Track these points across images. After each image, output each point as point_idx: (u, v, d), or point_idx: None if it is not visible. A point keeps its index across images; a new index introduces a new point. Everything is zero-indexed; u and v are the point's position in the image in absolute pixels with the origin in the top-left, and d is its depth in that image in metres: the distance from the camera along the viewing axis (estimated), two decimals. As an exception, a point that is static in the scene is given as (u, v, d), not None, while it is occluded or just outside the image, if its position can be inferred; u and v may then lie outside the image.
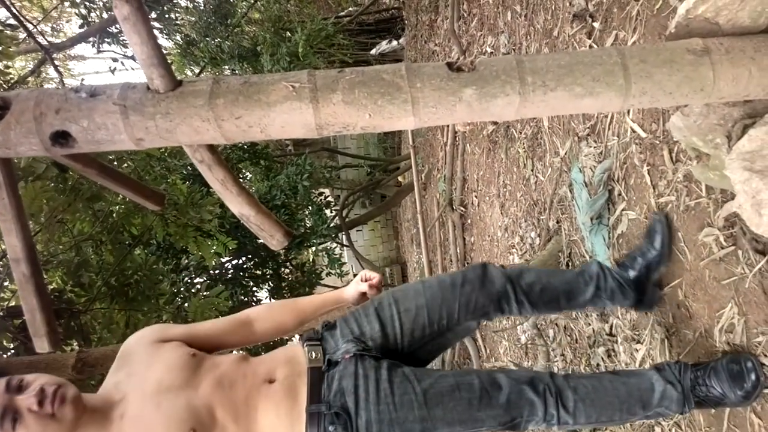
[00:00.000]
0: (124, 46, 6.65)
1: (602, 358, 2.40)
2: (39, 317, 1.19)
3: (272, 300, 6.06)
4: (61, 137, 1.07)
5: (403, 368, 1.49)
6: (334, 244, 7.14)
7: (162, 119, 1.07)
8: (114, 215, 3.41)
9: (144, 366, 1.38)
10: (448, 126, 5.05)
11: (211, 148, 1.22)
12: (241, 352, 1.62)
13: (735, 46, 1.06)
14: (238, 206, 1.31)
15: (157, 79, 1.06)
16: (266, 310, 1.67)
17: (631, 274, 1.81)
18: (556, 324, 2.93)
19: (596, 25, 2.33)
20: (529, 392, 1.47)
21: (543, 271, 1.79)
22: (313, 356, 1.49)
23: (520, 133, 3.38)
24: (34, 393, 1.19)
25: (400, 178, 9.45)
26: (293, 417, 1.39)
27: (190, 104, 1.07)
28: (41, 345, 1.21)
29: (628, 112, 2.05)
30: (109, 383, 1.37)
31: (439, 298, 1.59)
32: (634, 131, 2.02)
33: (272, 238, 1.40)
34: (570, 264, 2.70)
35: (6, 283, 3.04)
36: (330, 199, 7.55)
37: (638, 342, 2.12)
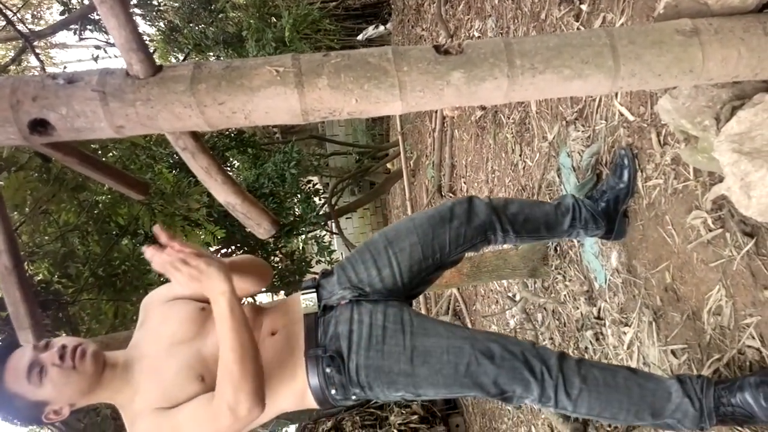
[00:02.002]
0: (107, 33, 6.53)
1: (590, 341, 2.41)
2: (22, 310, 1.18)
3: (264, 289, 6.03)
4: (40, 125, 1.04)
5: (404, 313, 1.52)
6: (324, 232, 7.12)
7: (142, 106, 1.04)
8: (100, 205, 3.36)
9: (159, 322, 1.50)
10: (436, 112, 5.03)
11: (195, 136, 1.19)
12: (250, 301, 1.66)
13: (724, 26, 1.05)
14: (224, 195, 1.29)
15: (137, 65, 1.04)
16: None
17: (601, 206, 1.95)
18: (545, 308, 2.94)
19: (584, 7, 2.31)
20: (523, 371, 1.44)
21: (525, 202, 1.90)
22: (309, 302, 1.56)
23: (508, 118, 3.37)
24: (56, 349, 1.30)
25: (388, 165, 9.43)
26: (294, 363, 1.47)
27: (171, 90, 1.04)
28: (25, 337, 1.19)
29: (616, 95, 2.05)
30: (131, 341, 1.50)
31: (431, 234, 1.64)
32: (622, 114, 2.02)
33: (259, 227, 1.38)
34: (558, 248, 2.71)
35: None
36: (318, 186, 7.52)
37: (626, 325, 2.13)
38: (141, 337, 1.50)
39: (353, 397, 1.50)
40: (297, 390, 1.48)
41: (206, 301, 1.49)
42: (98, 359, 1.37)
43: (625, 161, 1.93)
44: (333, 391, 1.47)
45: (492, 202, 1.76)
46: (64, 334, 3.02)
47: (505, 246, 3.50)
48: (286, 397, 1.49)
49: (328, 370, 1.45)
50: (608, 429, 2.39)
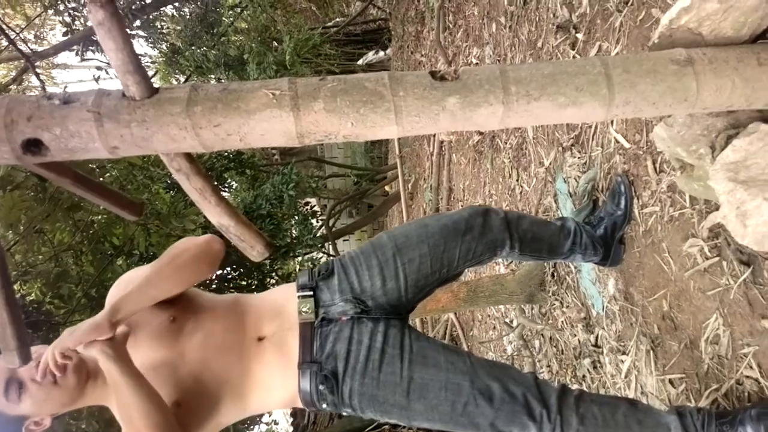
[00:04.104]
0: (108, 53, 6.57)
1: (588, 370, 2.39)
2: (9, 331, 1.15)
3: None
4: (33, 145, 1.04)
5: (404, 337, 1.46)
6: (321, 254, 7.11)
7: (137, 127, 1.04)
8: (95, 225, 3.35)
9: (132, 341, 1.39)
10: (434, 136, 5.06)
11: (189, 157, 1.19)
12: (229, 295, 1.56)
13: (718, 56, 1.05)
14: (218, 216, 1.29)
15: (133, 86, 1.04)
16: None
17: (599, 232, 1.95)
18: (542, 335, 2.92)
19: (580, 36, 2.33)
20: (522, 415, 1.38)
21: (534, 219, 1.84)
22: (306, 309, 1.46)
23: (506, 143, 3.38)
24: (35, 364, 1.25)
25: (386, 188, 9.45)
26: (286, 374, 1.41)
27: (166, 112, 1.04)
28: (11, 360, 1.17)
29: (612, 122, 2.06)
30: None
31: (442, 246, 1.55)
32: (617, 141, 2.02)
33: (252, 249, 1.37)
34: (555, 274, 2.69)
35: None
36: (316, 208, 7.53)
37: (623, 353, 2.11)
38: None
39: (344, 412, 1.46)
40: (286, 397, 1.45)
41: (174, 310, 1.43)
42: (80, 371, 1.33)
43: (622, 188, 1.93)
44: (324, 405, 1.43)
45: (507, 216, 1.70)
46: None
47: (503, 270, 3.49)
48: (273, 401, 1.46)
49: (321, 387, 1.40)
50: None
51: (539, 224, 1.83)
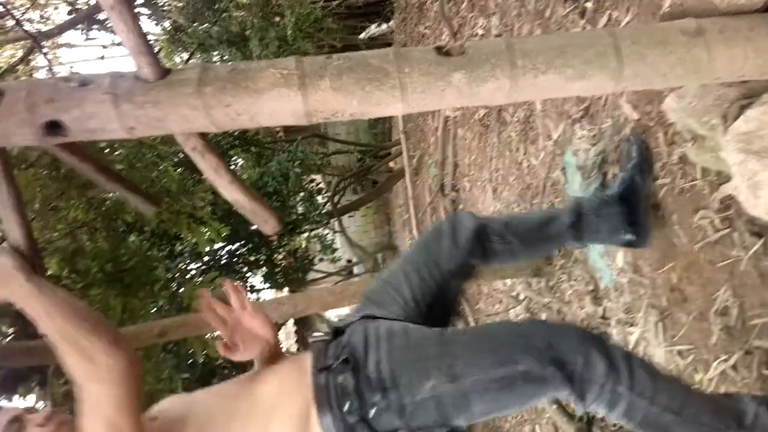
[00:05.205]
0: (113, 32, 6.57)
1: (596, 341, 2.41)
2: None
3: (268, 286, 6.06)
4: (54, 127, 1.07)
5: (420, 326, 1.32)
6: (327, 231, 7.14)
7: (152, 108, 1.06)
8: (107, 203, 3.40)
9: None
10: (438, 111, 5.03)
11: (203, 135, 1.21)
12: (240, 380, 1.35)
13: (730, 25, 1.05)
14: (232, 192, 1.32)
15: (146, 68, 1.06)
16: None
17: (617, 190, 1.77)
18: (549, 308, 2.94)
19: (589, 5, 2.30)
20: (581, 336, 1.18)
21: (517, 213, 1.75)
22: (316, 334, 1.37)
23: (513, 116, 3.36)
24: (44, 414, 1.20)
25: (391, 164, 9.43)
26: (299, 386, 1.21)
27: (178, 93, 1.06)
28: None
29: (623, 93, 2.04)
30: None
31: (423, 256, 1.51)
32: (628, 113, 2.01)
33: (266, 224, 1.40)
34: (561, 249, 2.70)
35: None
36: (321, 185, 7.53)
37: (632, 325, 2.13)
38: None
39: (371, 413, 1.16)
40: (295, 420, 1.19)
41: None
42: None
43: (632, 140, 1.85)
44: (346, 405, 1.15)
45: (475, 214, 1.63)
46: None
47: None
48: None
49: (340, 378, 1.18)
50: (613, 428, 2.39)
51: (522, 213, 1.74)
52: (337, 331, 1.36)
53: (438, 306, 1.46)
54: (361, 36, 8.47)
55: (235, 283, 1.34)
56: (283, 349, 1.44)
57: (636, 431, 1.20)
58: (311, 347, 1.31)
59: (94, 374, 1.08)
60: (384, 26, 8.19)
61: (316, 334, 1.41)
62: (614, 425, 2.39)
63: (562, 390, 1.15)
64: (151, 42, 1.07)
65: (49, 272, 3.10)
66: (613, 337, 2.27)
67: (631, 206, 1.77)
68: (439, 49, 1.08)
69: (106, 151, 3.39)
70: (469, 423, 1.19)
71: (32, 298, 1.13)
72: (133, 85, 1.06)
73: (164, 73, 1.07)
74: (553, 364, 1.13)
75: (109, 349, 1.10)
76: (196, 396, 1.28)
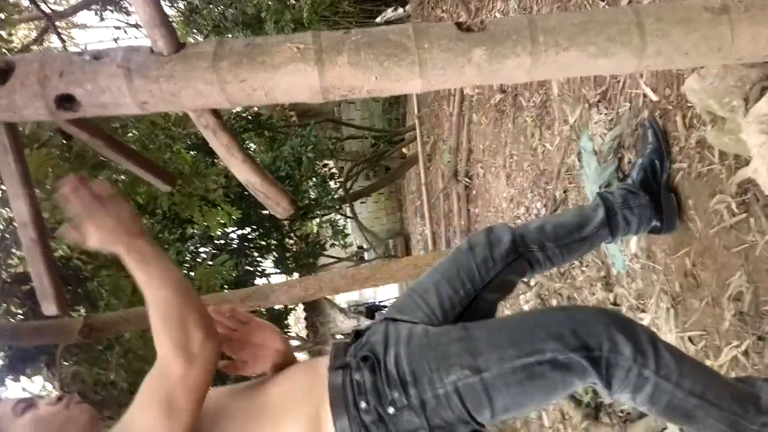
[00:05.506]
0: (127, 13, 6.58)
1: (608, 327, 2.40)
2: (46, 280, 1.20)
3: (279, 270, 6.08)
4: (66, 101, 1.06)
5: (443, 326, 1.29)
6: (338, 216, 7.15)
7: (166, 82, 1.05)
8: (119, 184, 3.41)
9: None
10: (454, 96, 5.00)
11: (216, 113, 1.20)
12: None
13: (755, 3, 1.02)
14: (244, 173, 1.30)
15: (160, 41, 1.04)
16: None
17: (637, 176, 1.75)
18: (560, 294, 2.93)
19: (608, -13, 2.27)
20: (604, 323, 1.15)
21: (546, 216, 1.70)
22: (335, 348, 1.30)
23: (529, 101, 3.33)
24: (54, 396, 1.21)
25: (404, 150, 9.40)
26: (311, 392, 1.18)
27: (193, 67, 1.05)
28: (49, 308, 1.21)
29: (642, 75, 2.01)
30: None
31: (454, 268, 1.44)
32: (646, 96, 1.98)
33: (278, 206, 1.38)
34: (597, 249, 2.67)
35: (13, 250, 3.06)
36: (334, 170, 7.53)
37: (643, 311, 2.11)
38: None
39: (390, 411, 1.12)
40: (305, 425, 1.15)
41: None
42: (93, 418, 1.21)
43: (647, 124, 1.82)
44: (363, 404, 1.12)
45: (509, 224, 1.58)
46: (82, 311, 3.07)
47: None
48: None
49: (357, 376, 1.15)
50: (620, 414, 2.39)
51: (554, 215, 1.68)
52: (358, 334, 1.33)
53: (468, 317, 1.40)
54: (377, 20, 8.41)
55: (222, 307, 1.31)
56: (297, 355, 1.40)
57: (659, 417, 1.18)
58: (330, 350, 1.28)
59: (186, 350, 1.06)
60: (400, 10, 8.12)
61: (338, 337, 1.39)
62: (622, 411, 2.38)
63: (588, 377, 1.13)
64: (166, 14, 1.06)
65: (59, 252, 3.12)
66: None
67: (653, 192, 1.76)
68: (460, 25, 1.07)
69: (119, 131, 3.40)
70: (493, 419, 1.16)
71: (152, 260, 1.11)
72: (147, 59, 1.04)
73: (179, 47, 1.06)
74: (579, 349, 1.11)
75: (207, 331, 1.09)
76: (209, 394, 1.22)
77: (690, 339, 1.83)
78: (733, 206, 1.58)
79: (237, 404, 1.20)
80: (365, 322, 1.42)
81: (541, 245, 1.54)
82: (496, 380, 1.12)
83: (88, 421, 1.20)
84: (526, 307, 3.43)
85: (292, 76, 1.07)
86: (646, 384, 1.13)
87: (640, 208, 1.73)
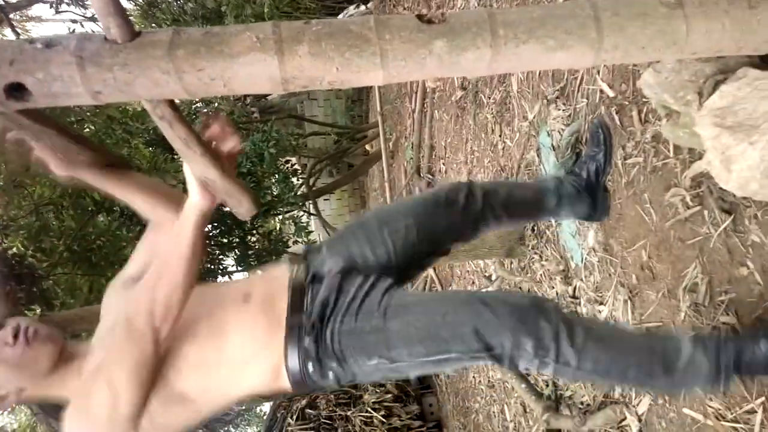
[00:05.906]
0: (83, 6, 6.39)
1: (568, 320, 2.44)
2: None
3: (241, 268, 6.00)
4: (16, 90, 1.02)
5: (391, 287, 1.39)
6: (302, 213, 7.09)
7: (120, 71, 1.02)
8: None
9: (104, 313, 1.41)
10: (416, 93, 5.01)
11: (173, 104, 1.16)
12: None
13: (708, -1, 1.05)
14: (202, 168, 1.26)
15: (114, 29, 1.01)
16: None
17: (583, 177, 1.83)
18: (520, 287, 2.97)
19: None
20: (509, 318, 1.24)
21: (512, 184, 1.82)
22: (297, 270, 1.45)
23: (489, 98, 3.36)
24: (10, 328, 1.23)
25: (367, 147, 9.38)
26: (272, 333, 1.34)
27: (149, 55, 1.02)
28: (-3, 309, 1.17)
29: (599, 71, 2.05)
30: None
31: (426, 219, 1.52)
32: (603, 92, 2.02)
33: (240, 206, 1.34)
34: (535, 228, 2.72)
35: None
36: (297, 167, 7.46)
37: (601, 303, 2.16)
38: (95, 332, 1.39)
39: (330, 375, 1.34)
40: (270, 366, 1.34)
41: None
42: (55, 342, 1.29)
43: (600, 129, 1.84)
44: (310, 367, 1.32)
45: (485, 187, 1.65)
46: (37, 310, 2.98)
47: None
48: (257, 374, 1.35)
49: (307, 340, 1.32)
50: (580, 406, 2.43)
51: (519, 186, 1.79)
52: (315, 276, 1.44)
53: (414, 263, 1.56)
54: (340, 17, 8.38)
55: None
56: None
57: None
58: (290, 286, 1.41)
59: (160, 300, 1.22)
60: (362, 7, 8.11)
61: (293, 259, 1.50)
62: (581, 403, 2.43)
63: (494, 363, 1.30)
64: (122, 3, 1.02)
65: (13, 250, 3.02)
66: (583, 316, 2.30)
67: (591, 183, 1.82)
68: (421, 17, 1.06)
69: (75, 126, 3.29)
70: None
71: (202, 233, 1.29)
72: (101, 47, 1.01)
73: (134, 35, 1.03)
74: (481, 350, 1.26)
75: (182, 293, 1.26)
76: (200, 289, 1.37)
77: (647, 330, 1.87)
78: (688, 199, 1.62)
79: (201, 330, 1.34)
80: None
81: (498, 216, 1.64)
82: (408, 368, 1.34)
83: (54, 349, 1.28)
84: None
85: (252, 65, 1.04)
86: (547, 367, 1.27)
87: (579, 207, 1.82)
